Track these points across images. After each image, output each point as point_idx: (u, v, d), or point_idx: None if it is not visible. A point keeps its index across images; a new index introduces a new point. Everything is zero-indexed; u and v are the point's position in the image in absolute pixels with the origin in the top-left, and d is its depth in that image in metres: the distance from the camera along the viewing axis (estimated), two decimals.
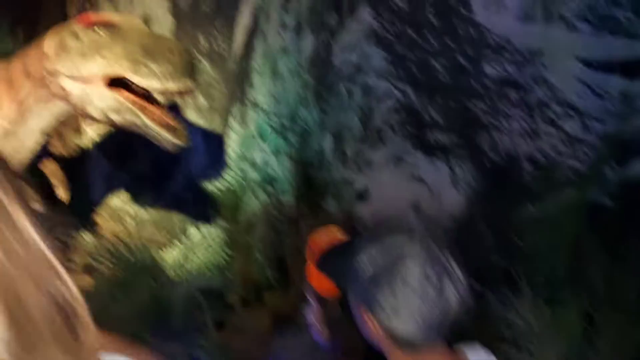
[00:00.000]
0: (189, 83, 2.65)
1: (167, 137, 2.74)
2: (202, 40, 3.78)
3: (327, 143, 3.39)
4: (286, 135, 3.54)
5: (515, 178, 2.79)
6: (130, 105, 2.68)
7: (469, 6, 2.78)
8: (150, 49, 2.60)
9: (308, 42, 3.35)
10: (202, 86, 3.91)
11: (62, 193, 3.30)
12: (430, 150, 3.03)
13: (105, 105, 2.71)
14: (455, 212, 3.01)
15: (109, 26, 2.70)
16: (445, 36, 2.87)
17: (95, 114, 2.77)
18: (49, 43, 2.87)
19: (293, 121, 3.50)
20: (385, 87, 3.13)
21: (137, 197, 4.42)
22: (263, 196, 3.70)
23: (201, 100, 3.90)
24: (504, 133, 2.77)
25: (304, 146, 3.48)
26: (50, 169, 3.40)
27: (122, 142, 4.45)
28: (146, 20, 4.03)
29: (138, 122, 2.72)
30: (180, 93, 2.70)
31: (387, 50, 3.10)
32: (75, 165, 4.14)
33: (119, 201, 4.46)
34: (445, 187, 3.01)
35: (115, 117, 2.76)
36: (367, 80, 3.18)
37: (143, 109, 2.72)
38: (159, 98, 2.93)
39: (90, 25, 2.71)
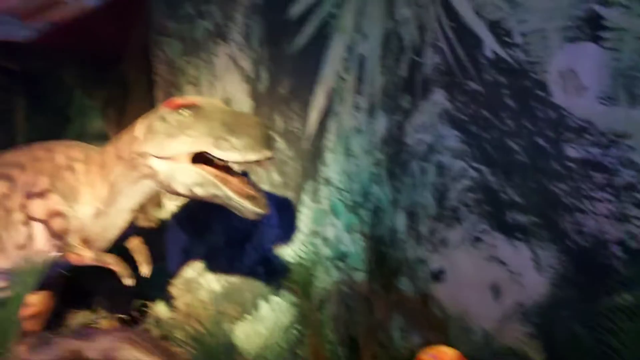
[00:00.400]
0: (267, 153, 2.72)
1: (248, 207, 2.78)
2: (278, 121, 3.93)
3: (401, 221, 3.36)
4: (358, 212, 3.54)
5: (604, 263, 2.62)
6: (212, 179, 2.77)
7: (546, 89, 2.74)
8: (230, 125, 2.71)
9: (381, 123, 3.39)
10: (276, 163, 4.05)
11: (144, 269, 3.43)
12: (509, 230, 2.92)
13: (190, 180, 2.81)
14: (538, 296, 2.85)
15: (192, 107, 2.84)
16: (522, 118, 2.83)
17: (181, 189, 2.87)
18: (139, 127, 3.08)
19: (366, 198, 3.51)
20: (460, 166, 3.09)
21: (211, 269, 4.53)
22: (335, 272, 3.67)
23: (275, 176, 4.01)
24: (589, 215, 2.64)
25: (376, 223, 3.47)
26: (134, 244, 3.55)
27: (198, 216, 4.63)
28: (227, 102, 4.26)
29: (220, 194, 2.79)
30: (259, 162, 2.78)
31: (461, 130, 3.05)
32: (155, 238, 4.32)
33: (194, 273, 4.56)
34: (527, 270, 2.86)
35: (199, 191, 2.84)
36: (441, 159, 3.16)
37: (225, 181, 2.80)
38: (239, 169, 3.07)
39: (176, 108, 2.85)
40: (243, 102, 4.05)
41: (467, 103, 3.02)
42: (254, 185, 2.98)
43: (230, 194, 2.78)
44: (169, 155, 2.82)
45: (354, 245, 3.53)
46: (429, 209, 3.16)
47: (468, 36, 3.00)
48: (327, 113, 3.60)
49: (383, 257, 3.37)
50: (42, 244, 3.14)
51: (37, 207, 3.09)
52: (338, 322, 3.47)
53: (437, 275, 3.14)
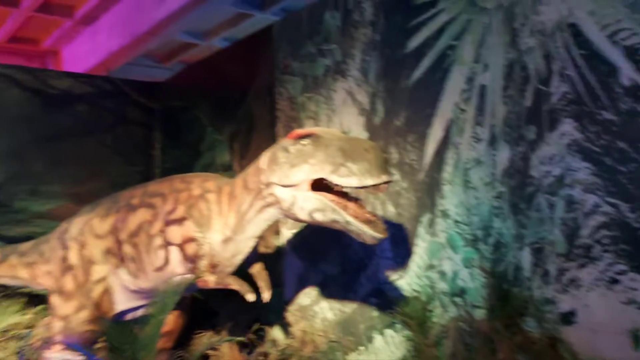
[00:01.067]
0: (384, 177, 2.70)
1: (367, 231, 2.77)
2: (393, 152, 3.94)
3: (526, 258, 3.16)
4: (478, 246, 3.40)
5: None
6: (332, 205, 2.82)
7: None
8: (347, 151, 2.75)
9: (503, 154, 3.25)
10: (391, 195, 4.04)
11: (265, 294, 3.56)
12: None
13: (310, 206, 2.88)
14: None
15: (312, 137, 2.92)
16: None
17: (302, 215, 2.95)
18: (264, 160, 3.24)
19: (486, 232, 3.36)
20: (592, 200, 2.85)
21: (326, 297, 4.58)
22: (452, 308, 3.54)
23: (390, 208, 4.00)
24: None
25: (498, 259, 3.29)
26: (256, 269, 3.71)
27: (314, 243, 4.74)
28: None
29: (340, 219, 2.82)
30: (377, 187, 2.74)
31: (593, 162, 2.82)
32: (272, 264, 4.47)
33: (309, 300, 4.65)
34: None
35: (319, 216, 2.90)
36: (571, 193, 2.94)
37: (344, 207, 2.84)
38: (358, 194, 3.10)
39: (297, 138, 2.96)
40: (359, 134, 4.12)
41: (600, 133, 2.80)
42: (371, 211, 3.00)
43: (349, 218, 2.81)
44: (291, 183, 2.92)
45: (472, 281, 3.38)
46: (558, 246, 2.94)
47: (600, 63, 2.81)
48: (445, 144, 3.54)
49: (506, 295, 3.18)
50: (176, 267, 3.39)
51: (174, 233, 3.35)
52: None
53: (567, 318, 2.89)
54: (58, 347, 3.42)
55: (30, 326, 4.05)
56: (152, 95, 6.42)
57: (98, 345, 3.27)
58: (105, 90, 6.04)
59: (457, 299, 3.45)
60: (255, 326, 4.32)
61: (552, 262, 2.97)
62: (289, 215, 3.05)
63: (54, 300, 3.69)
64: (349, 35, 4.21)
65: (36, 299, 4.82)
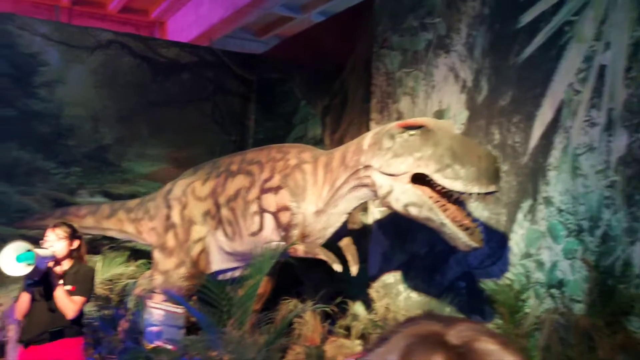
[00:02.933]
0: (492, 187, 2.58)
1: (462, 238, 2.68)
2: (496, 133, 3.76)
3: (637, 254, 2.91)
4: (582, 237, 3.17)
5: None
6: (431, 203, 2.75)
7: None
8: (457, 152, 2.63)
9: (620, 140, 2.96)
10: None
11: (353, 268, 3.58)
12: None
13: (407, 199, 2.82)
14: None
15: (422, 129, 2.82)
16: None
17: (396, 205, 2.90)
18: (368, 141, 3.19)
19: (593, 223, 3.13)
20: None
21: (410, 277, 4.53)
22: (548, 300, 3.36)
23: (472, 216, 3.82)
24: None
25: (604, 252, 3.06)
26: (345, 243, 3.73)
27: (401, 223, 4.67)
28: (440, 113, 4.24)
29: (435, 219, 2.75)
30: (482, 196, 2.67)
31: None
32: (358, 240, 4.47)
33: (393, 278, 4.62)
34: None
35: (413, 211, 2.83)
36: None
37: (443, 208, 2.76)
38: (459, 197, 2.96)
39: (406, 127, 2.89)
40: (459, 113, 3.96)
41: None
42: (470, 216, 2.88)
43: (446, 221, 2.72)
44: (392, 173, 2.87)
45: (573, 274, 3.18)
46: None
47: None
48: (554, 127, 3.31)
49: (610, 291, 2.96)
50: (270, 233, 3.49)
51: (270, 201, 3.44)
52: (549, 355, 3.16)
53: None
54: (159, 297, 3.66)
55: (132, 277, 4.37)
56: (250, 67, 6.58)
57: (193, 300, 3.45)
58: (207, 60, 6.26)
59: (554, 291, 3.27)
60: (338, 299, 4.37)
61: None
62: (383, 202, 3.01)
63: (157, 255, 3.95)
64: (455, 8, 4.03)
65: (137, 254, 5.20)
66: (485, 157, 2.60)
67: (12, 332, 3.62)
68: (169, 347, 2.97)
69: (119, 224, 4.54)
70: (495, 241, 3.66)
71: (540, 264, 3.37)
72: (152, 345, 3.09)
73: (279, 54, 6.70)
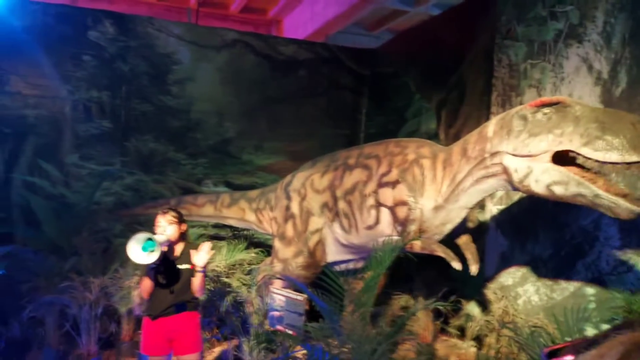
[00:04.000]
0: None
1: (623, 204, 2.46)
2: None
3: None
4: None
5: None
6: (579, 178, 2.55)
7: None
8: (605, 122, 2.43)
9: None
10: (624, 174, 3.53)
11: (473, 266, 3.46)
12: None
13: (551, 179, 2.64)
14: None
15: (558, 106, 2.65)
16: None
17: (537, 188, 2.71)
18: (492, 128, 3.04)
19: None
20: None
21: (532, 280, 4.28)
22: None
23: (621, 189, 3.52)
24: None
25: None
26: (463, 240, 3.62)
27: (522, 222, 4.43)
28: None
29: (587, 193, 2.55)
30: (637, 165, 2.41)
31: None
32: (474, 239, 4.32)
33: (512, 280, 4.41)
34: None
35: (559, 190, 2.64)
36: None
37: (592, 181, 2.57)
38: (611, 170, 2.73)
39: (539, 106, 2.71)
40: (592, 106, 3.66)
41: None
42: (622, 187, 2.64)
43: (599, 191, 2.49)
44: (530, 154, 2.70)
45: None
46: None
47: None
48: None
49: None
50: (386, 228, 3.49)
51: (387, 195, 3.43)
52: None
53: None
54: (279, 283, 3.82)
55: (252, 263, 4.60)
56: (363, 61, 6.60)
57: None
58: (322, 56, 6.39)
59: None
60: (452, 298, 4.26)
61: None
62: (519, 186, 2.85)
63: (277, 243, 4.12)
64: None
65: (255, 242, 5.46)
66: (636, 123, 2.36)
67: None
68: (290, 332, 3.09)
69: (240, 212, 4.79)
70: (633, 245, 3.35)
71: None
72: (274, 329, 3.23)
73: (394, 48, 6.65)
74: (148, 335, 3.10)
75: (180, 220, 3.20)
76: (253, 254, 4.75)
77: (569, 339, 3.80)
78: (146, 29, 5.60)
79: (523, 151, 2.70)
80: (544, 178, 2.65)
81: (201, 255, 3.01)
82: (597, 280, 3.58)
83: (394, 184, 3.42)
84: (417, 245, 3.39)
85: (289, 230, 4.04)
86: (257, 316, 3.71)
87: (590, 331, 3.55)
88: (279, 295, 3.20)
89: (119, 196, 5.49)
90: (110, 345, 4.44)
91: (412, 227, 3.32)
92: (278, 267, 3.99)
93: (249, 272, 4.46)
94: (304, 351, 3.18)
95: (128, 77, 5.55)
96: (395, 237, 3.38)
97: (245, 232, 5.57)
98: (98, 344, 4.34)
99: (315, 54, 6.35)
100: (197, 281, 3.03)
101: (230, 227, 5.46)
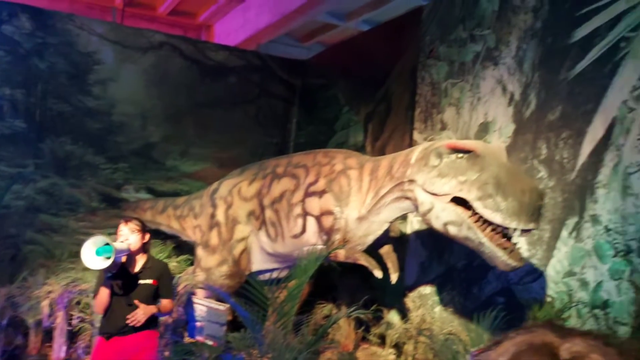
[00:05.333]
0: (532, 225, 2.53)
1: (501, 257, 2.65)
2: (543, 148, 3.70)
3: None
4: (631, 258, 3.10)
5: None
6: (471, 223, 2.72)
7: None
8: (502, 184, 2.59)
9: None
10: None
11: (393, 275, 3.58)
12: None
13: (447, 218, 2.82)
14: None
15: (471, 153, 2.80)
16: None
17: (435, 223, 2.88)
18: (416, 155, 3.13)
19: None
20: None
21: (447, 289, 4.48)
22: (590, 321, 3.28)
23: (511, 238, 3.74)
24: None
25: None
26: (385, 250, 3.73)
27: (441, 235, 4.64)
28: (486, 126, 4.20)
29: (475, 238, 2.72)
30: (521, 232, 2.61)
31: None
32: (396, 250, 4.46)
33: (430, 289, 4.58)
34: None
35: (453, 230, 2.82)
36: None
37: (482, 228, 2.73)
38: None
39: (455, 149, 2.86)
40: (504, 126, 3.92)
41: None
42: (509, 237, 2.81)
43: (484, 240, 2.70)
44: (434, 192, 2.87)
45: (619, 295, 3.10)
46: None
47: None
48: (605, 145, 3.24)
49: None
50: (311, 237, 3.52)
51: (314, 204, 3.48)
52: None
53: None
54: (202, 293, 3.75)
55: (174, 272, 4.48)
56: (295, 72, 6.66)
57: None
58: (254, 64, 6.38)
59: (598, 312, 3.19)
60: (373, 306, 4.36)
61: None
62: (422, 218, 3.01)
63: (200, 252, 4.04)
64: (506, 20, 4.00)
65: (179, 249, 5.32)
66: (529, 191, 2.56)
67: (60, 319, 3.76)
68: (210, 342, 3.04)
69: (168, 219, 4.67)
70: (538, 258, 3.60)
71: (584, 283, 3.30)
72: (194, 340, 3.16)
73: (325, 60, 6.76)
74: (98, 358, 2.86)
75: (144, 229, 3.03)
76: (175, 263, 4.62)
77: (482, 346, 3.99)
78: (66, 25, 5.34)
79: (429, 188, 2.87)
80: (443, 216, 2.82)
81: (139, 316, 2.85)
82: (506, 290, 3.81)
83: (320, 194, 3.48)
84: (341, 254, 3.46)
85: (214, 238, 3.98)
86: (177, 327, 3.62)
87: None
88: (200, 306, 3.13)
89: (31, 200, 5.16)
90: (15, 358, 4.14)
91: (337, 237, 3.39)
92: (201, 276, 3.91)
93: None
94: None
95: (45, 75, 5.25)
96: (320, 246, 3.43)
97: (170, 239, 5.41)
98: (2, 357, 4.04)
99: (246, 61, 6.33)
100: (165, 302, 2.88)
101: (163, 234, 5.28)
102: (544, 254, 3.55)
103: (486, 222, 2.77)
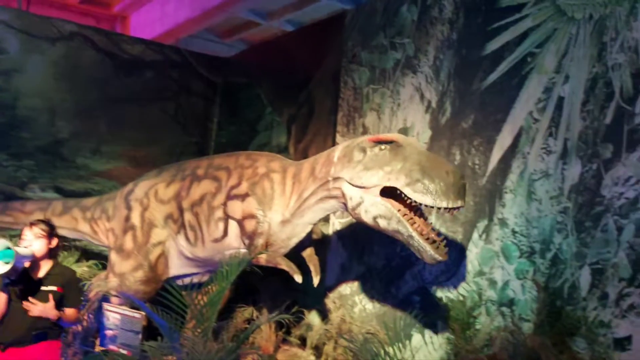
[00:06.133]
0: (459, 202, 2.68)
1: (429, 251, 2.76)
2: (457, 154, 3.88)
3: (584, 277, 3.07)
4: (534, 259, 3.33)
5: None
6: (399, 216, 2.82)
7: None
8: (427, 168, 2.71)
9: (574, 169, 3.12)
10: None
11: (315, 278, 3.59)
12: None
13: (377, 211, 2.88)
14: None
15: (392, 144, 2.89)
16: None
17: (365, 217, 2.94)
18: (338, 154, 3.19)
19: (545, 247, 3.28)
20: None
21: (367, 289, 4.59)
22: (499, 318, 3.50)
23: (438, 230, 3.92)
24: None
25: (554, 275, 3.21)
26: (307, 253, 3.74)
27: (360, 236, 4.74)
28: (405, 131, 4.34)
29: (404, 231, 2.82)
30: (449, 210, 2.72)
31: None
32: (317, 251, 4.50)
33: (349, 290, 4.68)
34: None
35: (382, 223, 2.89)
36: None
37: (411, 221, 2.84)
38: (427, 212, 3.06)
39: (377, 142, 2.94)
40: (422, 132, 4.08)
41: None
42: (436, 230, 2.97)
43: (413, 233, 2.80)
44: (362, 185, 2.92)
45: (523, 293, 3.32)
46: (621, 270, 2.86)
47: None
48: (512, 152, 3.46)
49: (558, 312, 3.11)
50: (233, 241, 3.46)
51: (236, 208, 3.41)
52: None
53: (622, 344, 2.82)
54: (115, 300, 3.55)
55: (85, 278, 4.23)
56: (216, 69, 6.51)
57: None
58: (172, 59, 6.16)
59: (505, 309, 3.40)
60: (294, 308, 4.37)
61: (612, 285, 2.89)
62: (351, 213, 3.05)
63: (113, 257, 3.82)
64: (425, 31, 4.16)
65: (89, 254, 5.02)
66: (452, 172, 2.72)
67: None
68: (124, 351, 2.89)
69: (73, 222, 4.37)
70: (451, 258, 3.77)
71: (492, 283, 3.50)
72: (105, 349, 2.99)
73: (248, 58, 6.68)
74: None
75: (51, 234, 2.80)
76: (85, 268, 4.36)
77: (399, 344, 4.12)
78: None
79: (358, 182, 2.92)
80: (372, 210, 2.89)
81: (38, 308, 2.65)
82: (422, 289, 3.96)
83: (243, 197, 3.42)
84: (262, 259, 3.43)
85: (128, 242, 3.79)
86: (87, 336, 3.41)
87: (416, 335, 3.91)
88: (113, 313, 2.98)
89: None
90: None
91: (260, 241, 3.35)
92: (114, 282, 3.71)
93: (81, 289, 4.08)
94: None
95: None
96: (243, 251, 3.37)
97: (78, 243, 5.08)
98: None
99: (164, 56, 6.09)
100: (69, 312, 2.67)
101: (63, 237, 4.93)
102: (457, 254, 3.73)
103: (414, 216, 2.85)
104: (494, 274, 3.51)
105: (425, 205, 2.74)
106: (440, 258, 2.77)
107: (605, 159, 3.00)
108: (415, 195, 2.69)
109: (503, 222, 3.47)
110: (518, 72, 3.48)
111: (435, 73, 4.03)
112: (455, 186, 2.66)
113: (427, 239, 2.79)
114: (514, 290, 3.37)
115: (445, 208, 2.67)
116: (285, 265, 3.43)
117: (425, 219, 2.94)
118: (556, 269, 3.16)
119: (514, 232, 3.41)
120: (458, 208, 2.70)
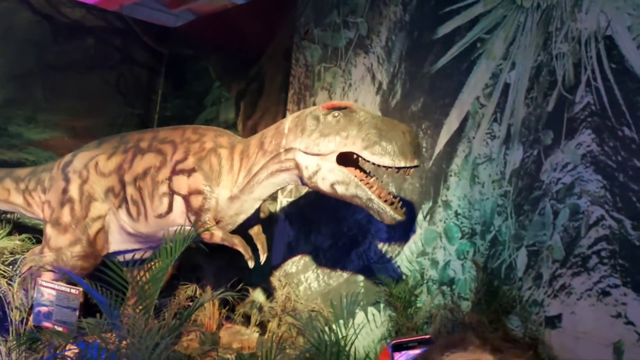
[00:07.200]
0: (416, 161, 2.76)
1: (388, 211, 2.82)
2: None
3: (521, 258, 3.21)
4: (474, 240, 3.45)
5: None
6: (357, 180, 2.85)
7: None
8: (383, 130, 2.76)
9: (516, 154, 3.23)
10: (395, 178, 4.05)
11: (262, 256, 3.57)
12: None
13: (334, 178, 2.90)
14: None
15: (346, 110, 2.92)
16: None
17: (323, 185, 2.95)
18: (288, 125, 3.19)
19: (485, 228, 3.39)
20: (598, 213, 2.89)
21: (312, 268, 4.62)
22: (439, 296, 3.61)
23: (392, 191, 4.02)
24: None
25: (492, 255, 3.34)
26: (255, 231, 3.70)
27: (307, 215, 4.75)
28: None
29: (363, 195, 2.86)
30: (407, 170, 2.80)
31: (605, 176, 2.82)
32: (263, 229, 4.47)
33: (295, 268, 4.69)
34: None
35: (341, 189, 2.91)
36: (577, 202, 2.99)
37: (368, 185, 2.90)
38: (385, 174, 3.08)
39: (330, 109, 2.96)
40: (373, 113, 4.09)
41: (617, 149, 2.84)
42: (392, 192, 3.03)
43: (372, 196, 2.83)
44: (319, 153, 2.91)
45: (463, 273, 3.44)
46: (555, 252, 3.00)
47: (630, 80, 2.82)
48: (458, 136, 3.55)
49: (495, 291, 3.24)
50: (178, 217, 3.36)
51: (182, 183, 3.31)
52: None
53: (553, 322, 2.98)
54: (50, 275, 3.39)
55: (17, 252, 4.01)
56: (162, 39, 6.26)
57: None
58: (115, 26, 5.86)
59: (445, 288, 3.51)
60: (239, 286, 4.34)
61: (546, 267, 3.04)
62: (307, 182, 3.03)
63: (49, 230, 3.64)
64: (378, 11, 4.15)
65: (21, 227, 4.76)
66: (408, 132, 2.79)
67: None
68: (60, 328, 2.77)
69: (5, 193, 4.12)
70: (396, 239, 3.85)
71: (434, 262, 3.60)
72: (40, 326, 2.86)
73: (195, 30, 6.44)
74: None
75: None
76: (17, 242, 4.13)
77: (342, 322, 4.17)
78: None
79: (314, 150, 2.90)
80: (330, 177, 2.89)
81: None
82: (367, 268, 4.02)
83: (189, 172, 3.33)
84: (217, 237, 3.37)
85: (65, 215, 3.61)
86: (19, 312, 3.24)
87: (359, 313, 3.97)
88: (48, 289, 2.84)
89: None
90: None
91: (207, 217, 3.28)
92: (49, 256, 3.54)
93: (12, 263, 3.88)
94: (76, 349, 2.89)
95: None
96: (188, 227, 3.29)
97: (9, 216, 4.81)
98: None
99: (106, 22, 5.79)
100: None
101: None
102: (401, 235, 3.81)
103: (370, 180, 2.92)
104: (436, 254, 3.60)
105: (384, 167, 2.77)
106: (399, 217, 2.83)
107: (546, 145, 3.12)
108: (373, 157, 2.73)
109: (447, 204, 3.56)
110: (467, 57, 3.54)
111: (387, 54, 4.04)
112: (412, 145, 2.73)
113: (386, 200, 2.83)
114: (454, 270, 3.48)
115: (403, 167, 2.71)
116: (242, 248, 3.39)
117: (381, 183, 2.99)
118: (495, 250, 3.28)
119: (456, 214, 3.50)
120: (416, 166, 2.76)
